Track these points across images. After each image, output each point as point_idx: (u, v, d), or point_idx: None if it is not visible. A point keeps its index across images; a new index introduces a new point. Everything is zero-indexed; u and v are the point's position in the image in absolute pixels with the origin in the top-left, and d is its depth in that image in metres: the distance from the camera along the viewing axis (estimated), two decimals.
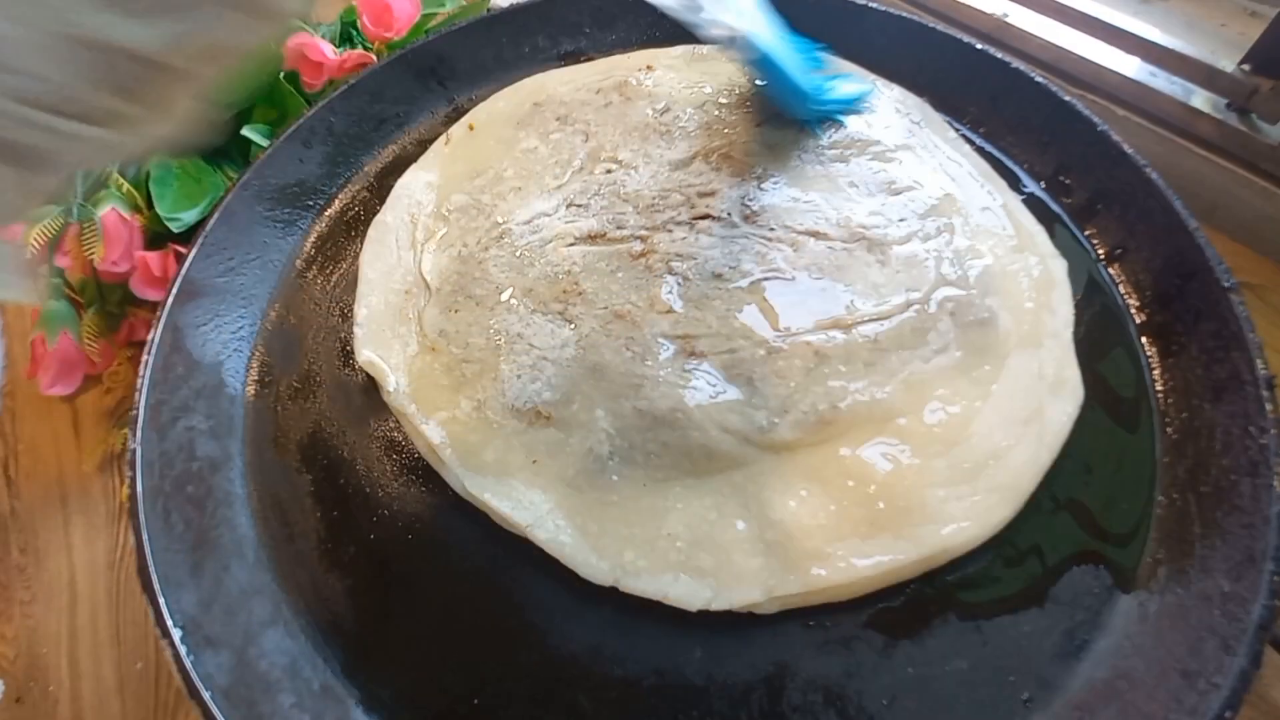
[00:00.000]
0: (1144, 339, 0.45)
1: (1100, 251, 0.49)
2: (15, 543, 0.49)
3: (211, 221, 0.48)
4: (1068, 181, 0.51)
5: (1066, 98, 0.52)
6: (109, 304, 0.53)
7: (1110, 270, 0.48)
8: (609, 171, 0.48)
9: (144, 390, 0.42)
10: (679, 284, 0.43)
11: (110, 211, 0.51)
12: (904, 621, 0.36)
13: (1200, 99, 0.58)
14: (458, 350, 0.43)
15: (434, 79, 0.60)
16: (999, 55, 0.54)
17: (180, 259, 0.47)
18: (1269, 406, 0.38)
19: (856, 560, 0.36)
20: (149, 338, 0.43)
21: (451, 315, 0.44)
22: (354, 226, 0.53)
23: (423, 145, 0.56)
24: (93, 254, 0.50)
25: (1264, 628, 0.33)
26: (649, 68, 0.55)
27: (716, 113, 0.51)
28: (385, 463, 0.43)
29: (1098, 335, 0.45)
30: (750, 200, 0.45)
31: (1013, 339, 0.42)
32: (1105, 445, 0.41)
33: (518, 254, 0.46)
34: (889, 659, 0.35)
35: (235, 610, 0.38)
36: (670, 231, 0.45)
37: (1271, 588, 0.33)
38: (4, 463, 0.53)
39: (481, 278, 0.45)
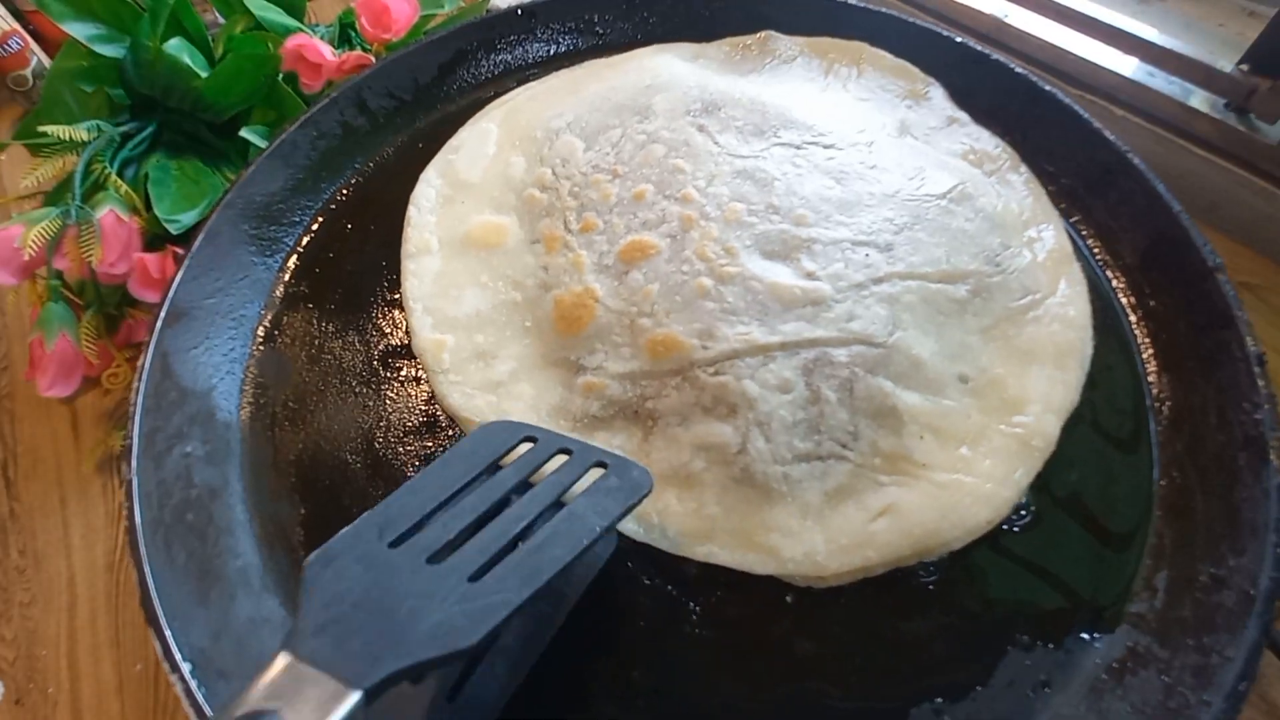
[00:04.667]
0: (1134, 320, 0.46)
1: (1088, 239, 0.49)
2: (15, 544, 0.49)
3: (196, 243, 0.47)
4: (1050, 169, 0.52)
5: (1047, 88, 0.52)
6: (107, 306, 0.53)
7: (1097, 253, 0.49)
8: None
9: (137, 419, 0.40)
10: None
11: (108, 213, 0.51)
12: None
13: (1199, 99, 0.58)
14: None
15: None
16: (987, 52, 0.55)
17: (170, 277, 0.46)
18: (1261, 382, 0.38)
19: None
20: (139, 364, 0.42)
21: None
22: (341, 240, 0.52)
23: (403, 157, 0.55)
24: (91, 256, 0.50)
25: (1266, 618, 0.33)
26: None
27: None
28: (389, 479, 0.42)
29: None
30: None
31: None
32: (1103, 429, 0.42)
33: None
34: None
35: (245, 640, 0.36)
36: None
37: (1276, 558, 0.34)
38: (3, 464, 0.53)
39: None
